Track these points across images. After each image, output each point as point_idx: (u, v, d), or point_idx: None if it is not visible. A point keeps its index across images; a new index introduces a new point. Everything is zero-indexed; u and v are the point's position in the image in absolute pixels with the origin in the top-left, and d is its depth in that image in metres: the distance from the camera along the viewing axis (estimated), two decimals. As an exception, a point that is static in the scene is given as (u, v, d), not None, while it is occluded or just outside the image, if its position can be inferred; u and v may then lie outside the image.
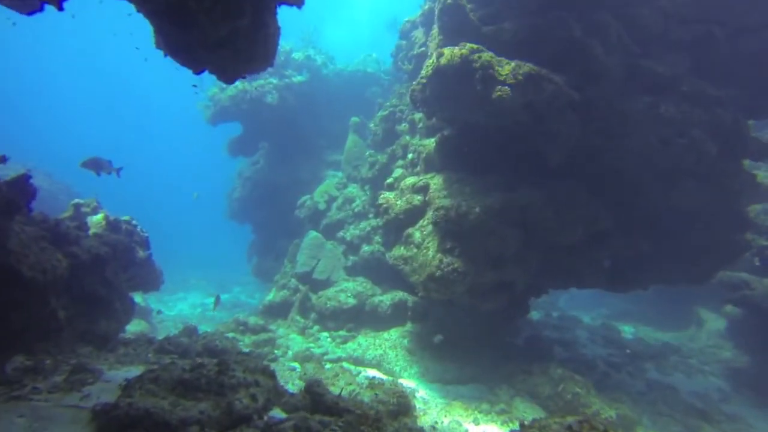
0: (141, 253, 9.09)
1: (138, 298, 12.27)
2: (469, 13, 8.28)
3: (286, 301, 12.56)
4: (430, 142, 10.07)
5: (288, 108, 17.78)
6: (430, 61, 7.89)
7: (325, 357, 9.65)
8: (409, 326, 10.30)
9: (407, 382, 8.38)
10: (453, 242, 7.75)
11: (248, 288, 21.98)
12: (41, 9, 4.29)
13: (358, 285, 11.89)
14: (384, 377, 8.48)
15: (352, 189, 14.93)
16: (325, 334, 11.04)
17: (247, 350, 9.47)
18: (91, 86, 60.38)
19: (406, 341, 9.73)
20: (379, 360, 9.31)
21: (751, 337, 11.08)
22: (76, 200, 8.76)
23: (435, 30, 9.81)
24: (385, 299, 11.06)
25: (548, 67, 7.11)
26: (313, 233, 13.82)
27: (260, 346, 9.89)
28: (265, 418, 3.93)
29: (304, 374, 7.99)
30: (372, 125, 15.09)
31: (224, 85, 18.19)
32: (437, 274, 7.49)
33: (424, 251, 8.20)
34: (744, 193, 8.26)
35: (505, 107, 7.00)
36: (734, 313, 11.60)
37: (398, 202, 9.35)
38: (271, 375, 4.65)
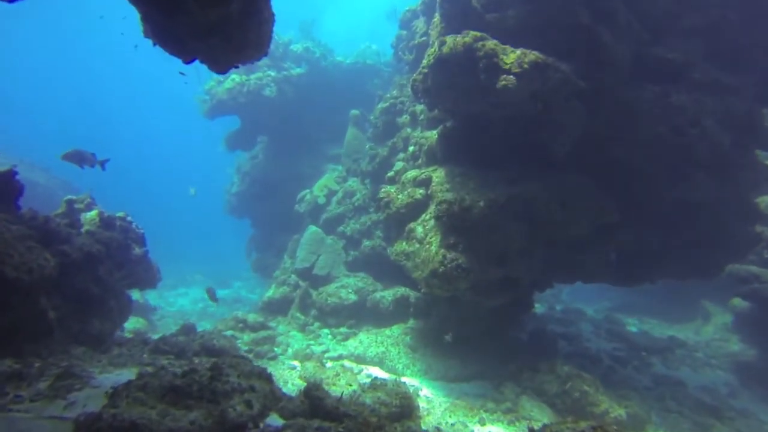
0: (137, 250, 8.90)
1: (136, 294, 12.11)
2: (471, 0, 7.98)
3: (285, 297, 12.38)
4: (432, 134, 9.80)
5: (287, 101, 17.49)
6: (432, 50, 7.61)
7: (326, 355, 9.47)
8: (411, 323, 10.11)
9: (410, 381, 8.20)
10: (456, 237, 7.52)
11: (249, 283, 21.83)
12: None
13: (359, 281, 11.70)
14: (386, 376, 8.31)
15: (353, 183, 14.68)
16: (326, 331, 10.86)
17: (246, 348, 9.31)
18: (86, 79, 59.94)
19: (408, 338, 9.55)
20: (381, 358, 9.13)
21: (759, 331, 10.89)
22: (69, 196, 8.54)
23: (437, 18, 9.50)
24: (387, 295, 10.86)
25: (554, 55, 6.83)
26: (312, 228, 13.61)
27: (259, 343, 9.71)
28: (261, 425, 3.74)
29: (305, 373, 7.82)
30: (372, 117, 14.80)
31: (221, 78, 17.91)
32: (440, 270, 7.28)
33: (427, 246, 7.98)
34: (757, 184, 8.00)
35: (510, 97, 6.74)
36: (742, 306, 11.40)
37: (399, 196, 9.11)
38: (268, 378, 4.46)
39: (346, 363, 9.05)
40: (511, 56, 6.62)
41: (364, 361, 9.22)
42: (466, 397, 7.63)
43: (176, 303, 18.56)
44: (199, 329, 9.62)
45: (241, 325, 10.60)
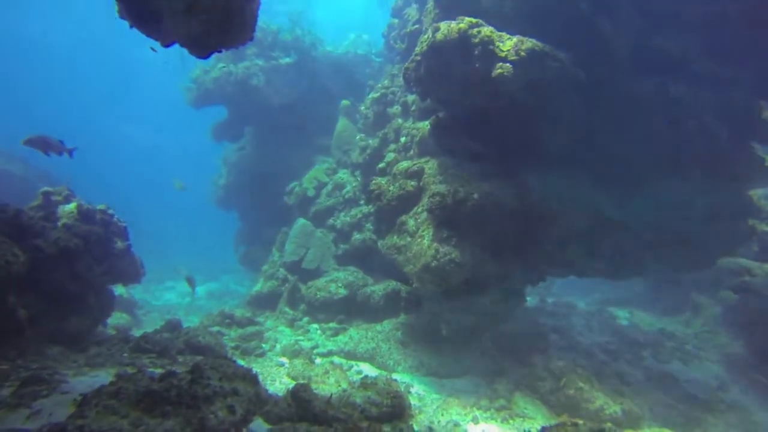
0: (119, 244, 8.54)
1: (120, 289, 11.74)
2: (466, -15, 7.72)
3: (274, 291, 12.11)
4: (425, 125, 9.55)
5: (275, 91, 17.03)
6: (426, 36, 7.33)
7: (315, 351, 9.25)
8: (402, 318, 9.92)
9: (401, 377, 8.04)
10: (449, 231, 7.32)
11: (237, 276, 21.49)
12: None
13: (349, 274, 11.46)
14: (377, 372, 8.13)
15: (343, 174, 14.37)
16: (315, 326, 10.64)
17: (233, 344, 9.06)
18: (73, 67, 58.22)
19: (399, 333, 9.37)
20: (371, 353, 8.95)
21: (749, 324, 10.94)
22: (46, 188, 8.15)
23: (430, 4, 9.21)
24: (378, 289, 10.65)
25: (552, 44, 6.62)
26: (301, 221, 13.31)
27: (247, 339, 9.46)
28: (245, 432, 3.52)
29: (293, 371, 7.60)
30: (363, 108, 14.48)
31: (208, 67, 17.38)
32: (433, 264, 7.08)
33: (419, 240, 7.77)
34: (753, 178, 7.91)
35: (505, 86, 6.51)
36: (731, 298, 11.45)
37: (391, 188, 8.87)
38: (253, 380, 4.22)
39: (336, 359, 8.85)
40: (508, 44, 6.39)
41: (355, 357, 9.03)
42: (459, 394, 7.49)
43: (163, 297, 18.18)
44: (187, 324, 9.34)
45: (228, 320, 10.33)
